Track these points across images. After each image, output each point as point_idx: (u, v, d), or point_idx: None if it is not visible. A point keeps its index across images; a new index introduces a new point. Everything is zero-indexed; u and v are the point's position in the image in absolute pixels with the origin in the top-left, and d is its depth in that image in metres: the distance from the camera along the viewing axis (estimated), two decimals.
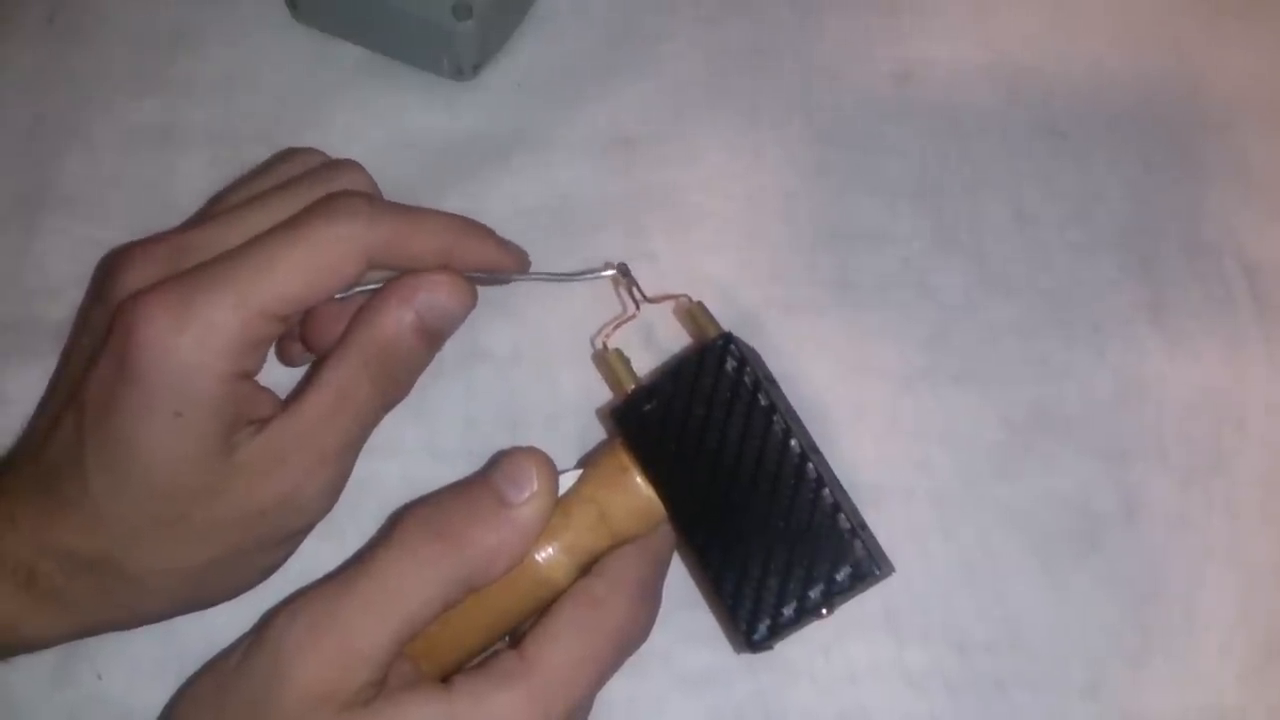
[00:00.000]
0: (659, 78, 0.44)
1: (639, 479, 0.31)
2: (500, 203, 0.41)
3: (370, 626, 0.28)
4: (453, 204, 0.41)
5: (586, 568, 0.31)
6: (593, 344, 0.39)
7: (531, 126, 0.43)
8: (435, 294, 0.31)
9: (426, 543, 0.29)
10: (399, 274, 0.32)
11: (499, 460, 0.31)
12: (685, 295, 0.35)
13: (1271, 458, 0.38)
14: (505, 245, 0.35)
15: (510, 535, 0.30)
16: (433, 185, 0.41)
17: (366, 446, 0.32)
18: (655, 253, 0.40)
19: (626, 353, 0.34)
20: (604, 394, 0.38)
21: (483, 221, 0.35)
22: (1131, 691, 0.35)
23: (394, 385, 0.32)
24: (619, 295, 0.38)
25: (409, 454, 0.37)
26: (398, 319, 0.31)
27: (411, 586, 0.29)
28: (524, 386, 0.39)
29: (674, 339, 0.39)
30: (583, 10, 0.45)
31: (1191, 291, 0.40)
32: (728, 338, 0.31)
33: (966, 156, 0.42)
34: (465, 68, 0.43)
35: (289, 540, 0.33)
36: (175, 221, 0.37)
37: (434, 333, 0.32)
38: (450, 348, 0.33)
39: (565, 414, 0.38)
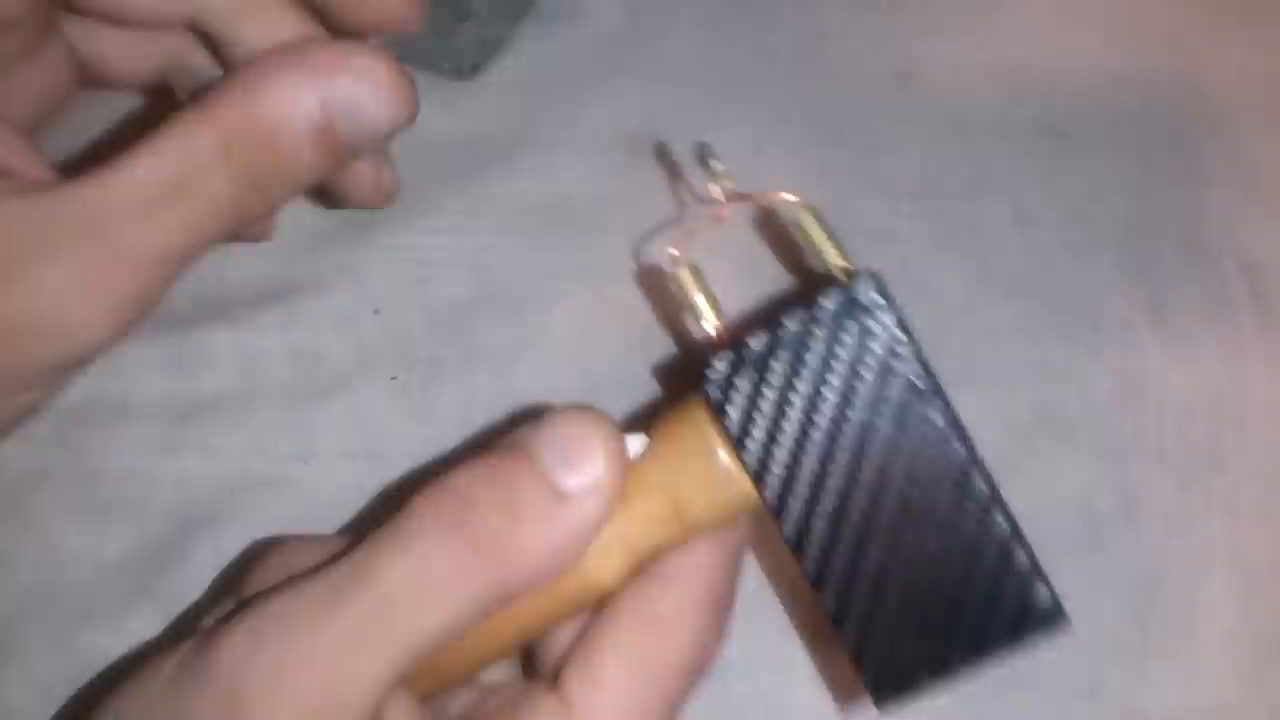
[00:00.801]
0: (661, 77, 0.43)
1: (730, 462, 0.24)
2: (500, 203, 0.41)
3: (363, 664, 0.21)
4: (452, 204, 0.41)
5: (641, 565, 0.24)
6: (666, 260, 0.29)
7: (532, 126, 0.43)
8: (359, 87, 0.23)
9: (449, 550, 0.21)
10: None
11: (544, 427, 0.23)
12: (791, 195, 0.26)
13: (1272, 457, 0.38)
14: None
15: (565, 539, 0.22)
16: (432, 185, 0.41)
17: (359, 447, 0.31)
18: (656, 252, 0.40)
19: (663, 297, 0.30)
20: (608, 388, 0.38)
21: (482, 222, 0.33)
22: (1131, 691, 0.35)
23: (259, 195, 0.23)
24: (676, 194, 0.32)
25: (406, 454, 0.37)
26: (294, 103, 0.22)
27: (423, 610, 0.21)
28: (524, 386, 0.38)
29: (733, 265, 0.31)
30: (584, 10, 0.45)
31: (1192, 292, 0.40)
32: (874, 276, 0.23)
33: (967, 156, 0.42)
34: (465, 67, 0.42)
35: (40, 378, 0.24)
36: None
37: (340, 144, 0.23)
38: (450, 347, 0.33)
39: None
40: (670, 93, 0.43)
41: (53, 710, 0.35)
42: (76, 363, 0.24)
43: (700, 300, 0.25)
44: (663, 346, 0.39)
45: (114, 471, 0.36)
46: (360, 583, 0.21)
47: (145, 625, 0.35)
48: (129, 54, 0.27)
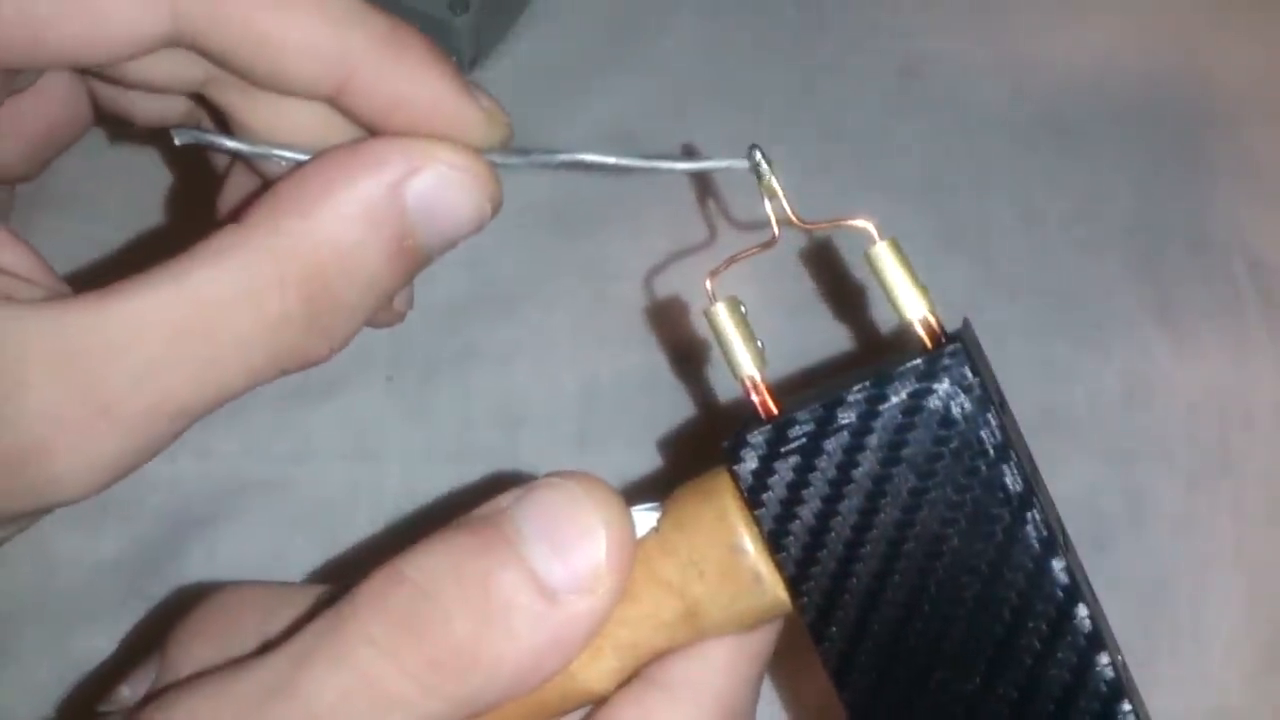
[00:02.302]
0: (660, 72, 0.43)
1: (761, 563, 0.19)
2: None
3: None
4: None
5: (640, 669, 0.20)
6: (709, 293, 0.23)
7: (531, 122, 0.42)
8: (443, 187, 0.19)
9: (399, 665, 0.17)
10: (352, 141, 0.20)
11: (529, 499, 0.18)
12: (861, 220, 0.20)
13: (1278, 457, 0.38)
14: (470, 89, 0.21)
15: (549, 650, 0.18)
16: None
17: (355, 448, 0.30)
18: (656, 251, 0.40)
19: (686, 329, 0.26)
20: (607, 390, 0.38)
21: None
22: None
23: (319, 332, 0.19)
24: (703, 212, 0.31)
25: (403, 457, 0.37)
26: (367, 216, 0.18)
27: None
28: (522, 387, 0.38)
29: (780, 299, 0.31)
30: (582, 3, 0.44)
31: (1198, 290, 0.40)
32: (965, 344, 0.19)
33: (972, 153, 0.42)
34: (462, 62, 0.42)
35: (8, 524, 0.20)
36: (171, 222, 0.37)
37: (419, 255, 0.19)
38: (446, 347, 0.32)
39: (565, 415, 0.38)
40: (670, 88, 0.43)
41: (47, 711, 0.34)
42: (47, 512, 0.20)
43: (739, 346, 0.19)
44: (664, 349, 0.38)
45: None
46: (286, 696, 0.17)
47: (140, 653, 0.35)
48: (148, 100, 0.23)
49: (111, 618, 0.35)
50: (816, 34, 0.44)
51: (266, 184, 0.20)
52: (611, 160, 0.21)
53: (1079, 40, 0.44)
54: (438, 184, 0.19)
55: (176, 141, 0.20)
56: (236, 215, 0.19)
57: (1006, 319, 0.39)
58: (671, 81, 0.43)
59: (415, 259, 0.20)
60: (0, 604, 0.35)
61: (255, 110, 0.20)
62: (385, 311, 0.23)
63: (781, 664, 0.32)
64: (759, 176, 0.21)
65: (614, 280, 0.39)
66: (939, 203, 0.41)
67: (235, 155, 0.21)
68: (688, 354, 0.36)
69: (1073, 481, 0.37)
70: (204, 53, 0.19)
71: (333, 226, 0.18)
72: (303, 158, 0.20)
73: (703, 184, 0.26)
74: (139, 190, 0.41)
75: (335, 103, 0.20)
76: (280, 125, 0.20)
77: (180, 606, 0.23)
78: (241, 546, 0.35)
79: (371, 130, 0.21)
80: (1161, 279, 0.40)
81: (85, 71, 0.22)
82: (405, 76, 0.20)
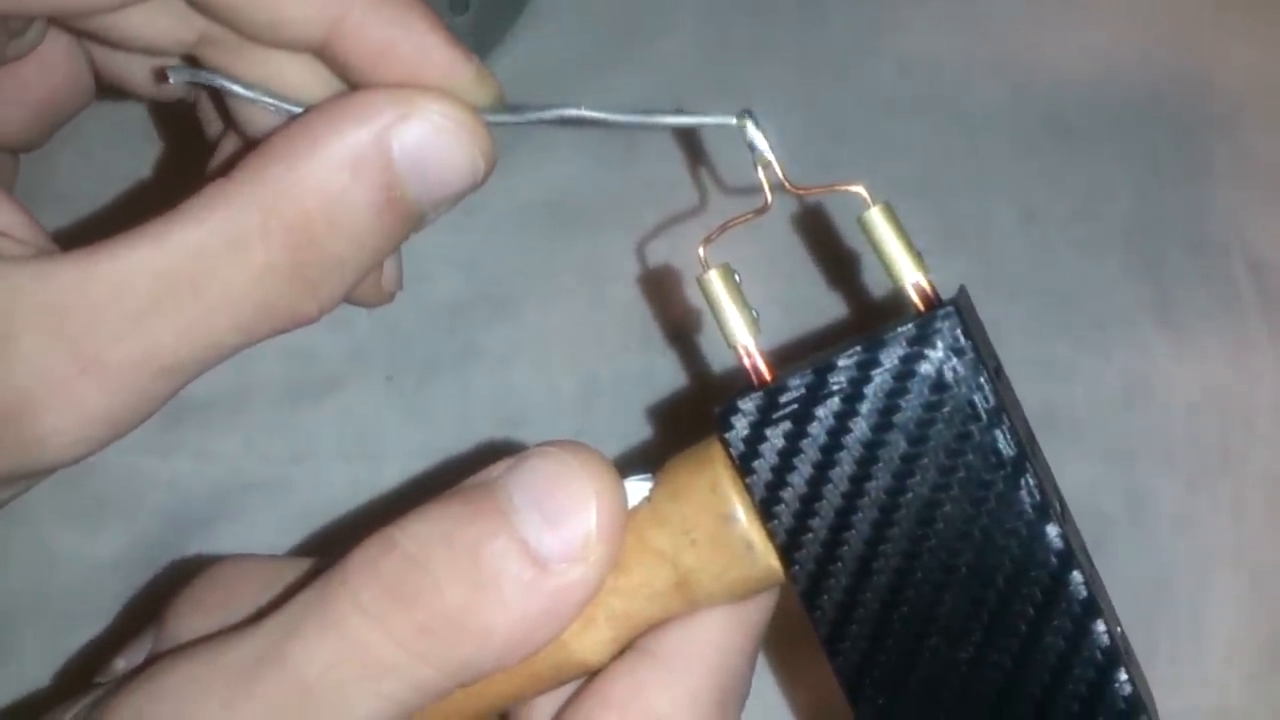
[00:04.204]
0: (659, 71, 0.43)
1: (752, 531, 0.19)
2: (499, 199, 0.40)
3: None
4: None
5: (634, 639, 0.20)
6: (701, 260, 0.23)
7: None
8: (432, 138, 0.18)
9: (388, 632, 0.17)
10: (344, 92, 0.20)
11: (521, 468, 0.18)
12: (857, 186, 0.21)
13: (1279, 458, 0.38)
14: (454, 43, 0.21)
15: (541, 619, 0.17)
16: None
17: (353, 448, 0.30)
18: (655, 249, 0.40)
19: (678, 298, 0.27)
20: (607, 390, 0.38)
21: (479, 218, 0.32)
22: None
23: (305, 288, 0.19)
24: (695, 178, 0.31)
25: (402, 456, 0.37)
26: (351, 165, 0.18)
27: (351, 702, 0.17)
28: (521, 386, 0.38)
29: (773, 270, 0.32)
30: (582, 3, 0.44)
31: (1198, 290, 0.40)
32: (959, 308, 0.18)
33: (971, 153, 0.42)
34: None
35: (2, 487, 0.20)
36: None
37: (410, 211, 0.19)
38: (446, 346, 0.32)
39: (564, 415, 0.38)
40: (670, 88, 0.43)
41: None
42: (40, 475, 0.20)
43: (733, 314, 0.19)
44: (666, 349, 0.38)
45: (107, 472, 0.36)
46: (276, 664, 0.17)
47: (137, 627, 0.35)
48: (144, 64, 0.23)
49: (109, 618, 0.35)
50: (816, 34, 0.44)
51: (256, 144, 0.20)
52: (603, 115, 0.21)
53: (1079, 40, 0.44)
54: (427, 134, 0.19)
55: (171, 80, 0.20)
56: (224, 172, 0.19)
57: (1006, 319, 0.39)
58: (671, 81, 0.43)
59: (405, 214, 0.19)
60: (0, 603, 0.35)
61: (247, 71, 0.20)
62: (374, 290, 0.23)
63: (781, 647, 0.33)
64: (752, 147, 0.21)
65: (613, 280, 0.39)
66: (939, 203, 0.41)
67: (227, 94, 0.21)
68: (681, 325, 0.36)
69: (1073, 481, 0.37)
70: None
71: (318, 175, 0.18)
72: (296, 109, 0.20)
73: (694, 150, 0.26)
74: (135, 190, 0.41)
75: (324, 53, 0.20)
76: (271, 85, 0.21)
77: (178, 580, 0.23)
78: (241, 546, 0.35)
79: (360, 86, 0.21)
80: (1161, 279, 0.40)
81: (80, 33, 0.22)
82: (393, 22, 0.20)
